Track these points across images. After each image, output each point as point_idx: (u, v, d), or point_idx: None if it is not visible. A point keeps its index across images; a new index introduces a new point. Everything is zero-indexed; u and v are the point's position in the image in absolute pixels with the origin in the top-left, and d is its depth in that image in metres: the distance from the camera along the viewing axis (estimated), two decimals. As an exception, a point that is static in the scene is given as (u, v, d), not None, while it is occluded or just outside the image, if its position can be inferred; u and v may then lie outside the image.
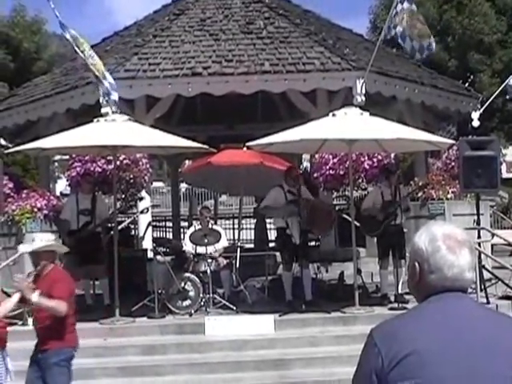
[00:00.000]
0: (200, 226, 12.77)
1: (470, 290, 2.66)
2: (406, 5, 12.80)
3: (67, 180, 14.99)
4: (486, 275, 11.96)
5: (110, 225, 12.53)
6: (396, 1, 12.75)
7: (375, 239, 12.52)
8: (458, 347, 2.38)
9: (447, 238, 2.56)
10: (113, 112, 11.80)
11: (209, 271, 11.64)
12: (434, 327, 2.42)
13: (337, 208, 16.03)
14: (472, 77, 29.46)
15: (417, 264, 2.59)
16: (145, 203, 14.24)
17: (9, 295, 11.52)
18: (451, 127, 17.42)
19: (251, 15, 16.98)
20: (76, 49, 11.82)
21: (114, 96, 12.12)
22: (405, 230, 12.15)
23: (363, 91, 13.74)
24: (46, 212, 13.38)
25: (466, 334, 2.41)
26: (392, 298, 11.62)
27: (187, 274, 11.67)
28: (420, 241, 2.60)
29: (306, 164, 21.97)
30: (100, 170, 13.59)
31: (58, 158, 22.69)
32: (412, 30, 12.81)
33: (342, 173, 14.32)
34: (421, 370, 2.33)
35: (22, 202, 13.47)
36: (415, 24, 12.82)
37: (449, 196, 13.71)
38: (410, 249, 2.69)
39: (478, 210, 12.31)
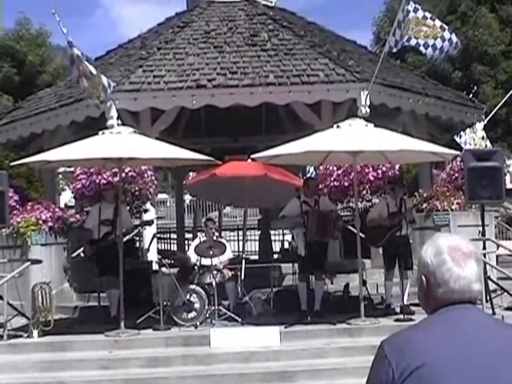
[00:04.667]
0: (205, 238, 12.78)
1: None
2: (411, 15, 12.84)
3: (72, 192, 15.02)
4: (492, 286, 11.94)
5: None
6: (401, 14, 12.78)
7: (381, 250, 12.51)
8: (469, 359, 2.37)
9: (452, 251, 2.56)
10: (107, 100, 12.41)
11: (214, 283, 11.61)
12: (445, 339, 2.42)
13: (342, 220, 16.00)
14: (476, 88, 29.52)
15: (424, 277, 2.59)
16: (150, 215, 14.26)
17: (14, 307, 11.58)
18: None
19: (255, 27, 17.01)
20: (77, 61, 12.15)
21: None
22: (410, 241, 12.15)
23: (367, 103, 13.77)
24: (50, 224, 13.41)
25: (476, 346, 2.40)
26: (397, 310, 11.60)
27: (192, 286, 11.66)
28: (426, 254, 2.60)
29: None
30: (105, 182, 13.62)
31: (62, 170, 22.72)
32: (418, 34, 12.82)
33: (346, 184, 14.34)
34: (431, 382, 2.33)
35: (26, 215, 13.50)
36: (421, 28, 12.83)
37: (453, 207, 13.69)
38: (418, 261, 2.69)
39: (483, 221, 12.30)
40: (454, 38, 13.11)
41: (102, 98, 12.52)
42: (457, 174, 15.26)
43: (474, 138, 16.78)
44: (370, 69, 14.45)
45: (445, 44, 13.00)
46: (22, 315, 11.64)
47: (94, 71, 12.27)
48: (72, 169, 15.68)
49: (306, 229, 11.55)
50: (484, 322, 2.54)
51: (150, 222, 13.10)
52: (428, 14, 13.02)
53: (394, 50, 13.20)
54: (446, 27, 13.14)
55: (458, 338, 2.42)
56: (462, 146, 16.95)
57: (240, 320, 11.24)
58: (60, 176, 28.44)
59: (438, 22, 13.06)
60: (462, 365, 2.36)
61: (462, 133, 17.56)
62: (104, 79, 12.36)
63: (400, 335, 2.54)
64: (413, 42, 12.99)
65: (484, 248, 12.10)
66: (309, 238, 11.56)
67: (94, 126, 13.18)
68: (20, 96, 25.68)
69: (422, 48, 13.13)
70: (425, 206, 13.70)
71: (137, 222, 14.31)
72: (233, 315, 11.38)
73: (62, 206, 18.26)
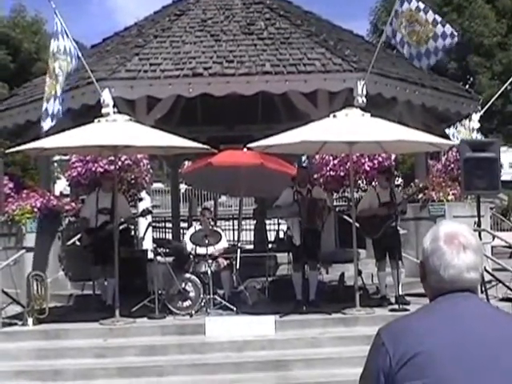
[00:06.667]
0: (200, 227, 12.75)
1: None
2: (405, 6, 12.75)
3: (67, 180, 14.99)
4: (487, 277, 11.95)
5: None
6: (398, 4, 12.73)
7: (371, 241, 12.52)
8: (466, 348, 2.36)
9: (449, 238, 2.54)
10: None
11: (209, 272, 11.61)
12: (442, 327, 2.41)
13: (337, 209, 16.01)
14: (472, 79, 29.52)
15: (421, 264, 2.59)
16: (145, 204, 14.24)
17: (9, 295, 11.56)
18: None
19: (252, 16, 16.97)
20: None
21: (46, 124, 12.47)
22: (404, 232, 12.13)
23: (364, 92, 13.73)
24: (46, 212, 13.37)
25: (473, 335, 2.39)
26: (392, 300, 11.61)
27: (188, 275, 11.66)
28: (425, 240, 2.60)
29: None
30: (102, 170, 13.60)
31: (57, 158, 22.67)
32: (411, 36, 12.74)
33: (342, 174, 14.31)
34: (429, 370, 2.32)
35: (22, 202, 13.44)
36: (413, 29, 12.74)
37: (449, 198, 13.69)
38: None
39: (478, 211, 12.29)
40: (449, 29, 12.92)
41: (42, 108, 12.63)
42: (452, 165, 15.23)
43: (463, 131, 16.75)
44: (367, 58, 14.42)
45: (438, 43, 12.81)
46: (16, 303, 11.62)
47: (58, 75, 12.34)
48: (67, 157, 15.64)
49: (301, 217, 11.53)
50: (482, 311, 2.52)
51: (151, 211, 13.12)
52: (421, 5, 12.87)
53: (392, 42, 13.12)
54: (438, 20, 12.95)
55: (455, 327, 2.41)
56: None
57: (235, 309, 11.25)
58: (55, 164, 28.42)
59: (430, 15, 12.85)
60: (459, 353, 2.35)
61: (457, 127, 17.51)
62: (57, 90, 12.46)
63: (397, 323, 2.53)
64: (406, 50, 12.92)
65: (480, 239, 12.10)
66: (302, 226, 11.53)
67: (91, 113, 13.15)
68: (15, 83, 25.62)
69: (415, 62, 13.06)
70: (420, 196, 13.71)
71: (133, 210, 14.31)
72: (228, 304, 11.38)
73: (57, 194, 18.21)
